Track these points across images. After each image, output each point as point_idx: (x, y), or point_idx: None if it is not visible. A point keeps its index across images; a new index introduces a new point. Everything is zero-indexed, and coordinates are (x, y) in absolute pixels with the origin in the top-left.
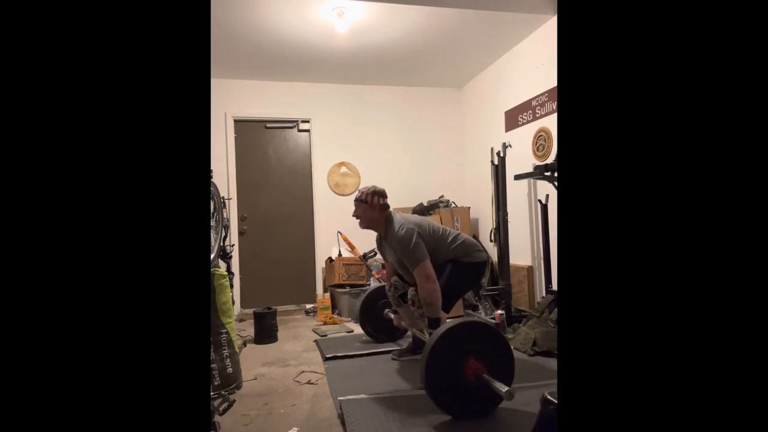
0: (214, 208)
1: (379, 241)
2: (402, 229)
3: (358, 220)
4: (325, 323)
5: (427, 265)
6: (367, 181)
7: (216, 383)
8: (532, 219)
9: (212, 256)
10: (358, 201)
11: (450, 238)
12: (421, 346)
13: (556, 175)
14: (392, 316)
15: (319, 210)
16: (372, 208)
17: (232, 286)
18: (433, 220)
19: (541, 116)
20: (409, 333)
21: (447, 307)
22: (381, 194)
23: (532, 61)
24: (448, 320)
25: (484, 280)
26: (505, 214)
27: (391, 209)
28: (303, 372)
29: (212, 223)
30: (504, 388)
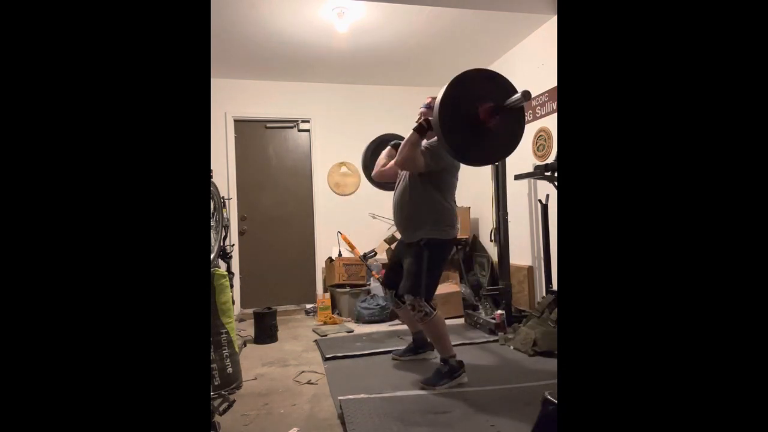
0: (214, 208)
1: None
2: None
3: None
4: (325, 323)
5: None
6: (366, 181)
7: (216, 383)
8: (532, 219)
9: (212, 256)
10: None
11: (450, 195)
12: (421, 346)
13: (556, 175)
14: None
15: (319, 210)
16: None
17: (232, 286)
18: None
19: (541, 116)
20: (409, 333)
21: (430, 293)
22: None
23: (532, 61)
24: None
25: (484, 279)
26: (505, 214)
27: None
28: (303, 372)
29: (212, 223)
30: (519, 93)
